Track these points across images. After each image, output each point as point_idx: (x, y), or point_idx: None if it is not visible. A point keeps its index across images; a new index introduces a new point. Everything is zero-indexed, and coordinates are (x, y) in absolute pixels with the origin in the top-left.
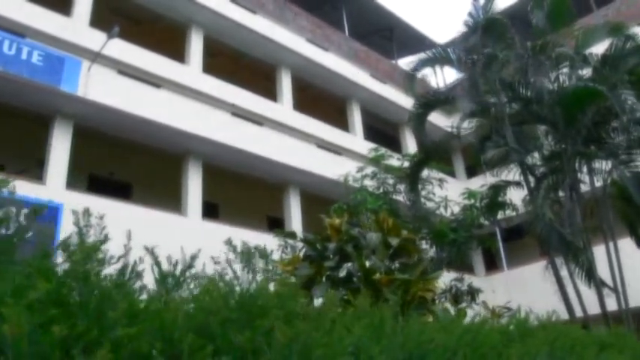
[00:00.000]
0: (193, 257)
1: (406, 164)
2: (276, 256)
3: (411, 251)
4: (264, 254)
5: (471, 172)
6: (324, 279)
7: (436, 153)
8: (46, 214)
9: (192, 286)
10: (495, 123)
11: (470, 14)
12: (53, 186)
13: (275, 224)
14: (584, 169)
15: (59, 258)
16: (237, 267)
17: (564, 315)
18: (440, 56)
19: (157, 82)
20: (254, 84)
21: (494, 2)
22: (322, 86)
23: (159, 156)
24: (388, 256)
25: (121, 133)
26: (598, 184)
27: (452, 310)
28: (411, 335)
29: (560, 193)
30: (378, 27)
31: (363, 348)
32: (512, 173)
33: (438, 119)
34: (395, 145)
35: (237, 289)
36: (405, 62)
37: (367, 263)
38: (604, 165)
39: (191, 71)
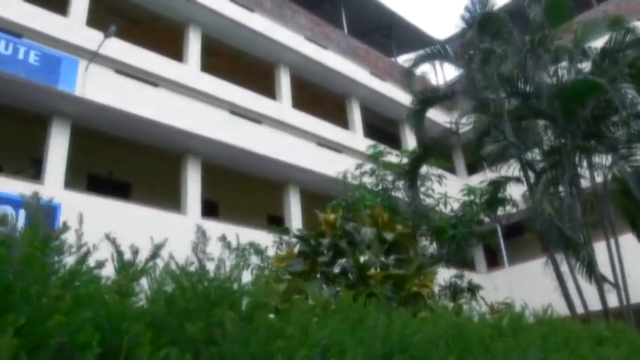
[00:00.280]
0: (159, 246)
1: (405, 161)
2: (275, 253)
3: (406, 246)
4: (258, 250)
5: (472, 169)
6: (318, 275)
7: (435, 149)
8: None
9: (155, 276)
10: (494, 118)
11: (467, 8)
12: (51, 186)
13: (275, 223)
14: (585, 164)
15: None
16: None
17: (565, 311)
18: (437, 52)
19: (155, 81)
20: (253, 82)
21: None
22: (321, 84)
23: (158, 155)
24: (383, 252)
25: (119, 133)
26: (598, 179)
27: (449, 306)
28: (394, 329)
29: (561, 189)
30: (377, 25)
31: (337, 341)
32: (513, 169)
33: (438, 116)
34: (395, 142)
35: (205, 280)
36: (405, 60)
37: (362, 259)
38: (604, 160)
39: (189, 70)
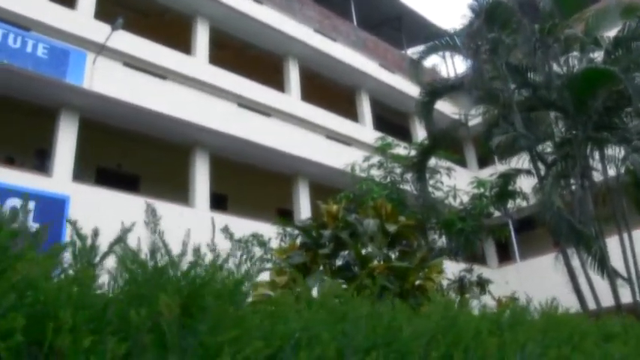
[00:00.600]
0: (126, 231)
1: (413, 153)
2: (278, 245)
3: (410, 238)
4: (261, 242)
5: (483, 162)
6: (321, 267)
7: (444, 141)
8: (53, 205)
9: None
10: (503, 109)
11: None
12: (59, 178)
13: (285, 216)
14: (597, 156)
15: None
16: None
17: (577, 307)
18: (446, 43)
19: (163, 74)
20: (261, 75)
21: None
22: (330, 76)
23: (166, 148)
24: (387, 244)
25: (127, 125)
26: (611, 172)
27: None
28: (380, 322)
29: (572, 182)
30: (386, 17)
31: (312, 333)
32: (522, 161)
33: (447, 108)
34: (405, 135)
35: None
36: (414, 52)
37: (364, 251)
38: (617, 152)
39: (197, 62)
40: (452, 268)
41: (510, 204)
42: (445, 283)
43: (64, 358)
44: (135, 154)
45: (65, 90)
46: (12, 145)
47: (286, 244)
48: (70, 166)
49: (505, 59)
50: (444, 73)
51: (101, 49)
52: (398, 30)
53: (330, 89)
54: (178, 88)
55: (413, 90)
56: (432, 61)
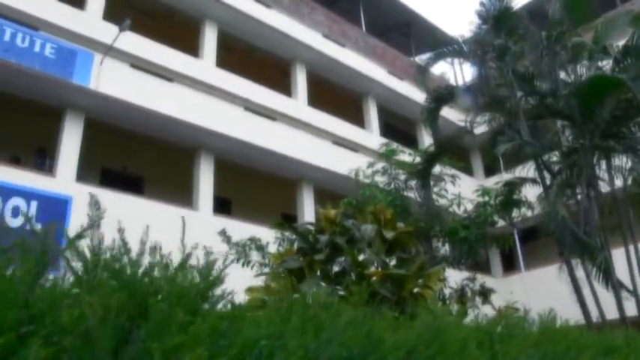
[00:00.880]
0: (84, 230)
1: (418, 160)
2: (277, 249)
3: (409, 245)
4: (259, 246)
5: (490, 171)
6: (318, 273)
7: (449, 148)
8: (55, 206)
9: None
10: (509, 117)
11: (481, 3)
12: (63, 178)
13: (290, 221)
14: (604, 166)
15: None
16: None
17: (581, 319)
18: (453, 50)
19: (169, 76)
20: (268, 79)
21: None
22: (338, 82)
23: (171, 150)
24: (385, 250)
25: (133, 127)
26: (618, 182)
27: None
28: (359, 331)
29: (578, 191)
30: (396, 23)
31: (277, 343)
32: (527, 170)
33: (454, 115)
34: (412, 142)
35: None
36: (423, 59)
37: (361, 257)
38: (624, 162)
39: (204, 65)
40: (455, 277)
41: (515, 213)
42: (447, 291)
43: None
44: (140, 155)
45: (71, 90)
46: (17, 145)
47: (285, 248)
48: (74, 166)
49: (512, 66)
50: (452, 81)
51: (108, 50)
52: (407, 37)
53: (337, 95)
54: (185, 90)
55: (421, 97)
56: (440, 68)
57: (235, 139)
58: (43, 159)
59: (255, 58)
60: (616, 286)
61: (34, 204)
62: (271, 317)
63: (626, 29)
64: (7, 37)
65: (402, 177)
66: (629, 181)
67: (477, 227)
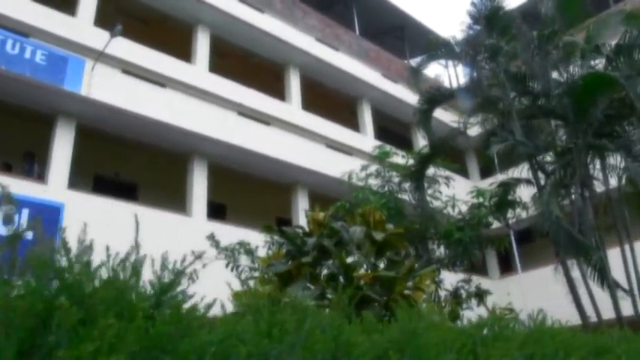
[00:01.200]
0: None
1: (411, 162)
2: (266, 253)
3: (398, 247)
4: (248, 250)
5: (485, 173)
6: (308, 276)
7: (442, 149)
8: (47, 213)
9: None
10: (502, 117)
11: (473, 3)
12: (55, 185)
13: (285, 226)
14: (598, 165)
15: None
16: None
17: (577, 319)
18: (445, 51)
19: (162, 82)
20: (262, 84)
21: None
22: (332, 86)
23: (164, 156)
24: (374, 252)
25: (125, 133)
26: (612, 180)
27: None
28: (324, 336)
29: (573, 191)
30: (389, 26)
31: (231, 348)
32: (521, 171)
33: (448, 117)
34: (407, 145)
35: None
36: (417, 62)
37: (350, 259)
38: (619, 161)
39: (197, 70)
40: (450, 279)
41: (510, 214)
42: (442, 293)
43: None
44: (133, 162)
45: (63, 97)
46: (8, 152)
47: (273, 252)
48: (65, 173)
49: (504, 66)
50: (446, 83)
51: (99, 56)
52: (401, 40)
53: (331, 98)
54: (178, 96)
55: (415, 100)
56: (435, 71)
57: (229, 144)
58: (31, 164)
59: (249, 62)
60: (612, 286)
61: (25, 212)
62: (229, 321)
63: (619, 28)
64: None
65: (396, 179)
66: (624, 181)
67: (472, 229)
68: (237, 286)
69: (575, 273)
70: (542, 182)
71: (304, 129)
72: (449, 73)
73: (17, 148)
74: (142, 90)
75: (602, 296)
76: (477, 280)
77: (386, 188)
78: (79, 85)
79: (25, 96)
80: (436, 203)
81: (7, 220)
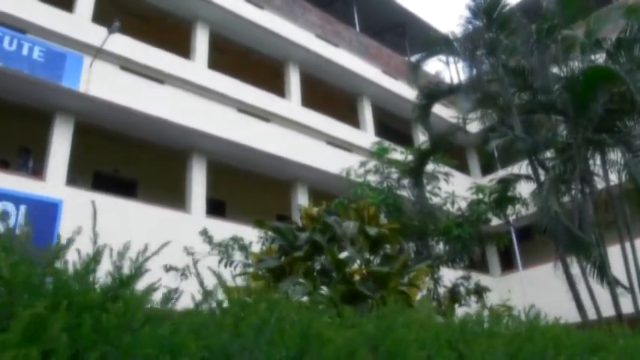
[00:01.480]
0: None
1: (410, 158)
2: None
3: (392, 242)
4: (242, 246)
5: (486, 169)
6: (300, 271)
7: (441, 145)
8: (45, 210)
9: None
10: (501, 113)
11: None
12: (53, 182)
13: (285, 222)
14: (598, 161)
15: None
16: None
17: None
18: (445, 46)
19: (161, 79)
20: (262, 80)
21: None
22: (332, 82)
23: (164, 152)
24: (368, 247)
25: (124, 130)
26: (612, 176)
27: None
28: (292, 331)
29: (573, 187)
30: (390, 23)
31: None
32: (521, 167)
33: (447, 113)
34: (407, 141)
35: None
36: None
37: (343, 254)
38: (619, 157)
39: (197, 67)
40: (450, 276)
41: (510, 210)
42: (442, 290)
43: None
44: (132, 158)
45: (61, 93)
46: (5, 148)
47: (266, 247)
48: (64, 170)
49: (504, 61)
50: (447, 80)
51: (97, 53)
52: (402, 36)
53: (331, 95)
54: (177, 92)
55: (415, 96)
56: (436, 67)
57: (228, 140)
58: (26, 159)
59: (248, 59)
60: (612, 283)
61: (23, 208)
62: (188, 315)
63: (619, 22)
64: None
65: (395, 175)
66: (625, 177)
67: (471, 225)
68: (230, 282)
69: (575, 270)
70: (542, 178)
71: (304, 125)
72: (449, 70)
73: (15, 145)
74: (141, 86)
75: (602, 293)
76: (478, 277)
77: (384, 184)
78: (77, 81)
79: (23, 93)
80: (435, 200)
81: None
